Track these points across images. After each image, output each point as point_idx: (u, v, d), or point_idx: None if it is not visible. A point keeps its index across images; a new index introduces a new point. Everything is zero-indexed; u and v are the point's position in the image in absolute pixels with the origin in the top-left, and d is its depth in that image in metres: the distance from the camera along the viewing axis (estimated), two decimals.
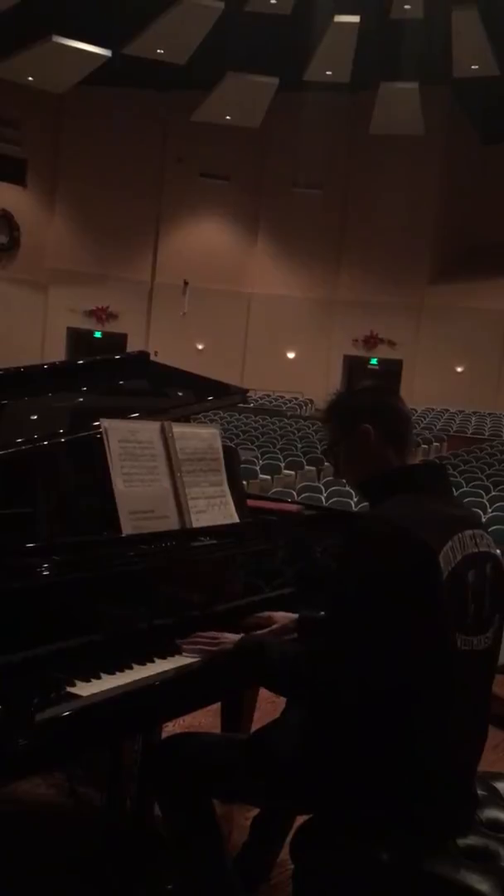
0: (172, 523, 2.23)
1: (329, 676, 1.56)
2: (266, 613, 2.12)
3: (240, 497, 2.54)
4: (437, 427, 20.51)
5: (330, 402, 1.90)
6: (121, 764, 2.12)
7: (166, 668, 1.83)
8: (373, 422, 1.76)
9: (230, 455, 2.57)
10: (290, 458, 14.39)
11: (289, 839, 1.77)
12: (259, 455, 14.55)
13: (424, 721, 1.56)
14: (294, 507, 3.07)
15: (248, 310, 26.88)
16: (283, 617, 2.08)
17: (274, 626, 2.05)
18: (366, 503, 1.81)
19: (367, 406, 1.82)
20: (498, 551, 1.75)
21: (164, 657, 1.87)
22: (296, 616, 2.06)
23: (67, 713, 1.57)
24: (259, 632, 2.05)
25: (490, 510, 10.74)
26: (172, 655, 1.89)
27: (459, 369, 25.03)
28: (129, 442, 2.18)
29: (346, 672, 1.53)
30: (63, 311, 26.88)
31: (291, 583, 2.48)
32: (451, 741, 1.60)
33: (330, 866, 1.59)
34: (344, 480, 1.89)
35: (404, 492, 1.68)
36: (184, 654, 1.88)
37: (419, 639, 1.52)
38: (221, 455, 2.50)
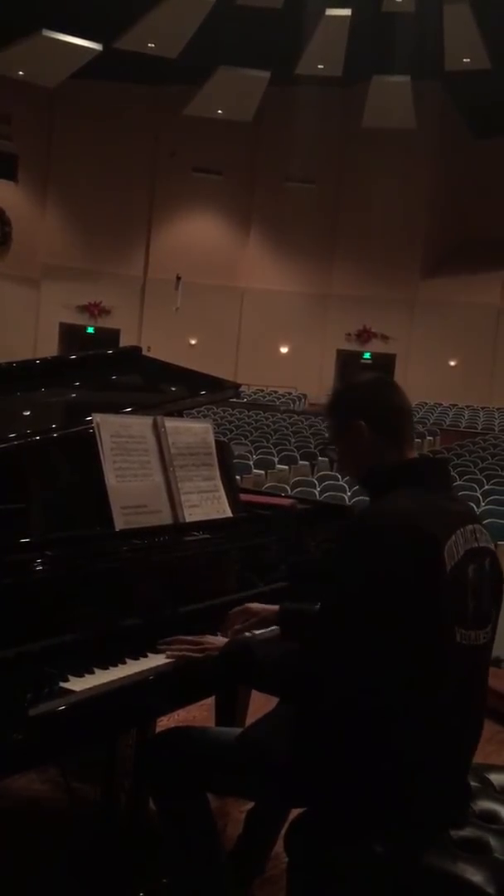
0: (165, 518, 2.23)
1: (327, 669, 1.55)
2: (243, 606, 2.07)
3: (233, 492, 2.54)
4: (431, 421, 20.53)
5: (329, 397, 1.88)
6: (115, 759, 2.12)
7: (160, 663, 1.82)
8: (365, 417, 1.73)
9: (223, 450, 2.57)
10: (283, 453, 14.38)
11: (283, 832, 1.77)
12: (252, 450, 14.54)
13: (421, 713, 1.55)
14: (288, 502, 3.06)
15: (241, 304, 26.85)
16: (261, 609, 2.04)
17: (252, 620, 2.02)
18: (364, 496, 1.80)
19: (359, 402, 1.78)
20: (492, 546, 1.75)
21: (157, 652, 1.87)
22: (276, 608, 2.02)
23: (61, 708, 1.57)
24: (240, 625, 2.02)
25: (483, 504, 10.76)
26: None
27: (452, 363, 25.06)
28: (122, 437, 2.18)
29: (345, 664, 1.53)
30: (55, 307, 26.81)
31: (285, 577, 2.48)
32: (447, 734, 1.60)
33: (325, 859, 1.59)
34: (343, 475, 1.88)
35: (405, 486, 1.66)
36: (165, 656, 1.85)
37: (420, 632, 1.52)
38: (214, 449, 2.49)
